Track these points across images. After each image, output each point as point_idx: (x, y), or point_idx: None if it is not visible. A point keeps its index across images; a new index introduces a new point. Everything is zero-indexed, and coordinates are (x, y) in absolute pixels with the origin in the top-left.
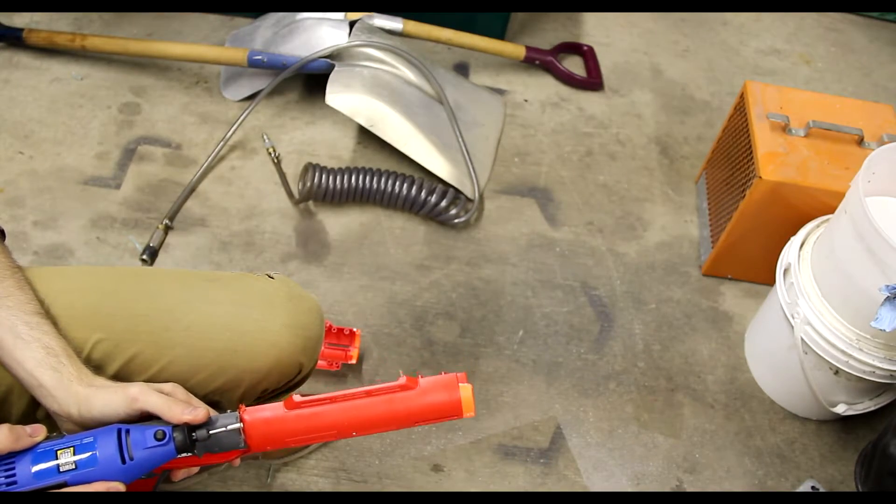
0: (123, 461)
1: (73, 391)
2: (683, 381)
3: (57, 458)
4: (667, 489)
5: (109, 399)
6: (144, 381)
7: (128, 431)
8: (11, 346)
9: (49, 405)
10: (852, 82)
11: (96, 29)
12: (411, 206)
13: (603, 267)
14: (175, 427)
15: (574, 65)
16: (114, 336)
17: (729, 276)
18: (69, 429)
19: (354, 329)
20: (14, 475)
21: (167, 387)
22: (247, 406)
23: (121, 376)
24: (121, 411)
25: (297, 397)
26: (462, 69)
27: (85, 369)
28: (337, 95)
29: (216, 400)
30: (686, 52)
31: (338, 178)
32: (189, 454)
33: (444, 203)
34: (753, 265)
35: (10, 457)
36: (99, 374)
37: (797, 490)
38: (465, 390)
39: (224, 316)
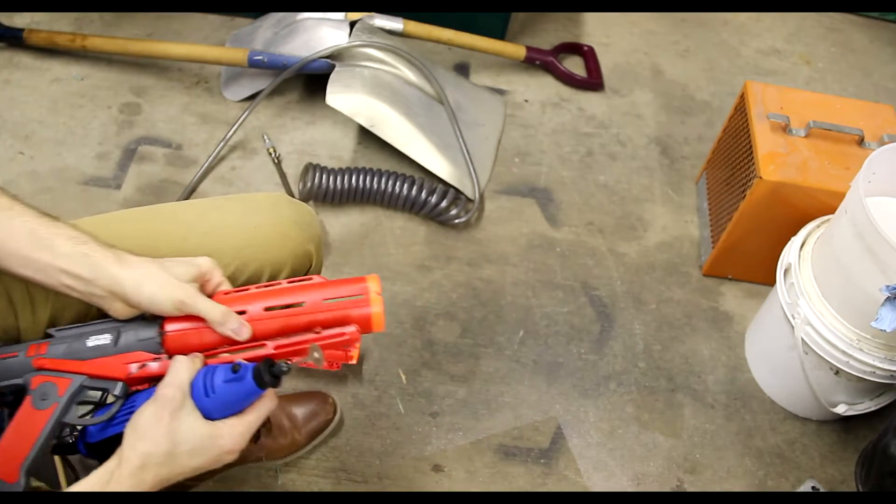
0: (207, 394)
1: (113, 274)
2: (684, 381)
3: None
4: (667, 489)
5: (156, 297)
6: None
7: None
8: (33, 249)
9: (93, 296)
10: (853, 82)
11: (96, 29)
12: (412, 207)
13: (603, 267)
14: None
15: (574, 65)
16: (136, 251)
17: (729, 277)
18: (117, 310)
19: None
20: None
21: (204, 264)
22: None
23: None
24: (167, 308)
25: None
26: (462, 69)
27: (115, 249)
28: (337, 96)
29: None
30: (686, 53)
31: (338, 178)
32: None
33: (444, 203)
34: (754, 265)
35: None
36: None
37: (797, 490)
38: (377, 304)
39: (237, 219)
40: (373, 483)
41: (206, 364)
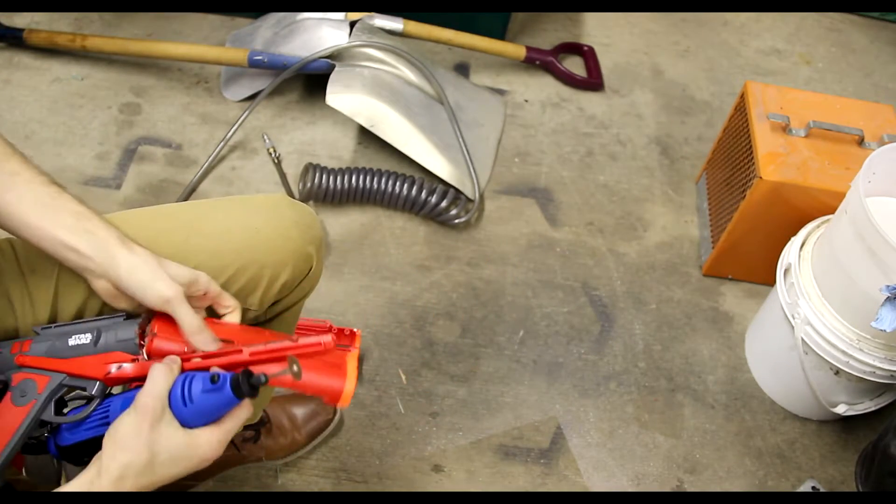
0: (185, 403)
1: (112, 253)
2: (684, 381)
3: None
4: (667, 489)
5: (146, 285)
6: None
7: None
8: (39, 218)
9: (86, 269)
10: (853, 82)
11: (96, 29)
12: (412, 207)
13: (603, 267)
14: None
15: (574, 65)
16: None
17: (729, 277)
18: (106, 291)
19: (355, 329)
20: (108, 417)
21: (202, 276)
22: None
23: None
24: (152, 300)
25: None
26: (462, 69)
27: (118, 230)
28: (337, 96)
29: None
30: (686, 53)
31: (338, 178)
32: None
33: (444, 203)
34: (754, 265)
35: (107, 399)
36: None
37: (797, 490)
38: (350, 383)
39: (238, 221)
40: (373, 483)
41: (183, 369)
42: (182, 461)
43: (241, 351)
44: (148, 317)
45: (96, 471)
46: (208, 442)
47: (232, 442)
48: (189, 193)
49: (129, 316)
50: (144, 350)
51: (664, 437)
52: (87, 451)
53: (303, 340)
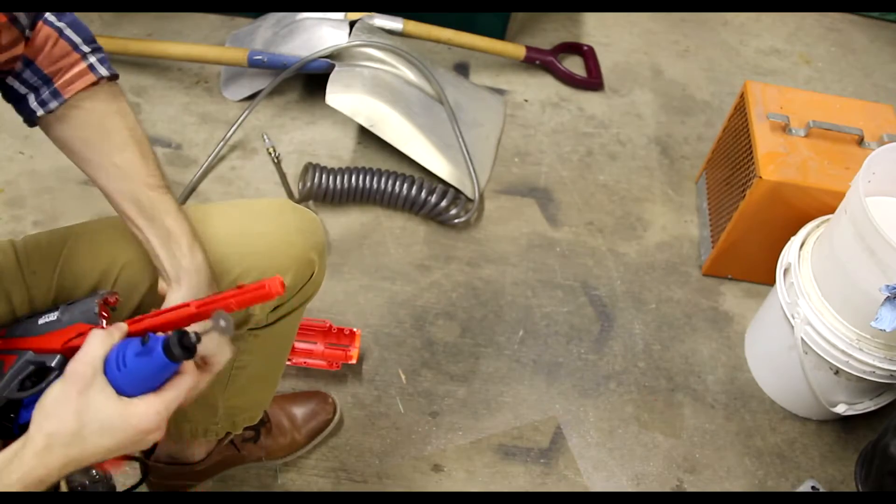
0: (118, 368)
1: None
2: (684, 381)
3: None
4: (667, 489)
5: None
6: None
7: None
8: (136, 214)
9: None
10: (852, 82)
11: (96, 29)
12: (411, 206)
13: (603, 267)
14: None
15: (574, 65)
16: (139, 259)
17: (729, 276)
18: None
19: (355, 329)
20: None
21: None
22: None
23: (150, 296)
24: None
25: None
26: (462, 69)
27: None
28: (337, 95)
29: (240, 311)
30: (686, 52)
31: (338, 178)
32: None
33: (444, 203)
34: (753, 265)
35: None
36: (129, 297)
37: (797, 490)
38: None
39: (241, 225)
40: (372, 483)
41: (128, 333)
42: (116, 432)
43: (189, 304)
44: (114, 293)
45: (22, 442)
46: (145, 412)
47: (232, 442)
48: (189, 193)
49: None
50: (105, 322)
51: (664, 437)
52: None
53: (247, 286)
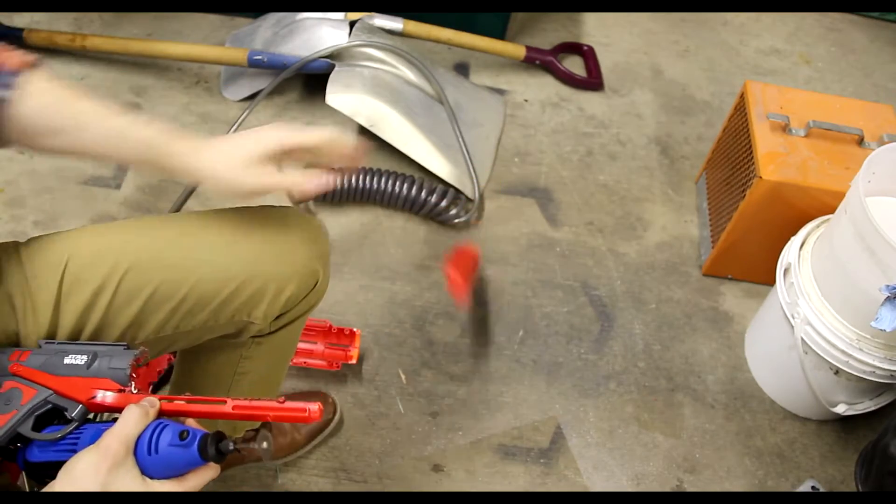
0: (149, 452)
1: (212, 144)
2: (683, 381)
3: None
4: (667, 489)
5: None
6: (173, 306)
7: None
8: (124, 128)
9: (186, 171)
10: (852, 82)
11: (96, 29)
12: (412, 206)
13: (603, 267)
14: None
15: (574, 65)
16: (141, 264)
17: (729, 276)
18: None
19: (355, 329)
20: (76, 445)
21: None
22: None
23: (151, 302)
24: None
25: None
26: (462, 69)
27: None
28: (337, 95)
29: (243, 319)
30: (686, 52)
31: (338, 178)
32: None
33: (444, 203)
34: (753, 265)
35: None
36: (130, 303)
37: (797, 490)
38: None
39: (245, 232)
40: (372, 483)
41: (161, 410)
42: None
43: (225, 402)
44: (145, 352)
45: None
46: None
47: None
48: (189, 193)
49: (130, 347)
50: (134, 384)
51: (664, 437)
52: (51, 471)
53: (289, 404)
